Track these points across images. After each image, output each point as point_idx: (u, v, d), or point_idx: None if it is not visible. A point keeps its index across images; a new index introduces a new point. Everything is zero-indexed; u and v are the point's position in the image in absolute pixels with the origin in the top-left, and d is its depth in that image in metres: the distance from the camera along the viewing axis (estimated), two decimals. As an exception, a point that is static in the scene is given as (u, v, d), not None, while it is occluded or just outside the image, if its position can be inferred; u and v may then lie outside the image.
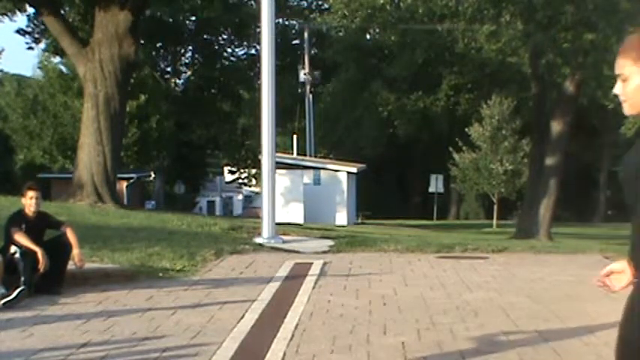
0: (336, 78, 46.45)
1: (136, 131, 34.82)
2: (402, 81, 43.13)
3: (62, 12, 22.39)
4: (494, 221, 37.16)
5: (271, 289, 8.55)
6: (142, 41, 27.66)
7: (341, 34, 40.34)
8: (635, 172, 2.56)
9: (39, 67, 42.19)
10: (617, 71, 2.66)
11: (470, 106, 41.45)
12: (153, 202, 36.54)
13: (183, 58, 41.16)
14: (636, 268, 2.62)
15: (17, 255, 7.76)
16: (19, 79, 44.72)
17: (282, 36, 36.47)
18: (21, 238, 7.81)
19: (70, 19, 23.94)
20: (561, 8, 21.33)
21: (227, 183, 50.19)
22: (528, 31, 22.75)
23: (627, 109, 2.70)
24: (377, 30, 38.02)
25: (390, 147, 44.96)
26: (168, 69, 40.59)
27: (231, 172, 46.72)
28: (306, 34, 41.12)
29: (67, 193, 20.50)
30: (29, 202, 7.90)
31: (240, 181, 47.41)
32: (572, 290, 8.89)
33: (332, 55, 44.51)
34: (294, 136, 42.29)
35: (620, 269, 2.79)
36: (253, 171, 43.69)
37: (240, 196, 54.84)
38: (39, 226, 7.99)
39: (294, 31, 44.98)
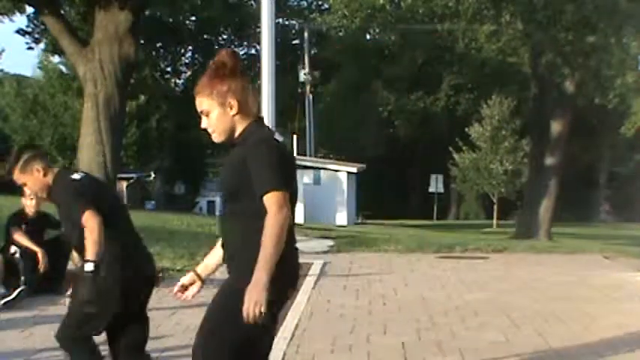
0: (336, 78, 46.44)
1: (136, 131, 34.79)
2: (402, 81, 43.13)
3: (62, 12, 22.38)
4: (495, 221, 37.13)
5: (271, 289, 8.54)
6: (142, 41, 27.64)
7: (341, 34, 40.29)
8: None
9: (39, 67, 42.18)
10: (199, 109, 3.17)
11: (470, 106, 41.42)
12: (153, 202, 36.52)
13: (183, 58, 41.13)
14: (230, 271, 3.19)
15: (17, 255, 7.76)
16: (19, 79, 44.69)
17: (282, 36, 36.44)
18: (21, 238, 7.82)
19: (70, 19, 23.92)
20: (561, 7, 21.33)
21: (227, 183, 50.13)
22: (528, 31, 22.75)
23: (217, 138, 3.19)
24: (377, 30, 38.01)
25: (390, 147, 44.91)
26: (169, 69, 40.57)
27: (232, 173, 46.65)
28: (306, 34, 41.07)
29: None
30: (29, 202, 7.91)
31: (241, 181, 47.36)
32: (572, 290, 8.90)
33: (332, 55, 44.49)
34: (294, 136, 42.26)
35: (190, 282, 3.52)
36: (253, 171, 43.60)
37: (240, 196, 54.78)
38: (39, 226, 8.00)
39: (294, 31, 44.95)
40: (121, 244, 4.10)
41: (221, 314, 3.11)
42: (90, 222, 3.98)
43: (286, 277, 3.06)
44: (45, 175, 4.27)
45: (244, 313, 2.90)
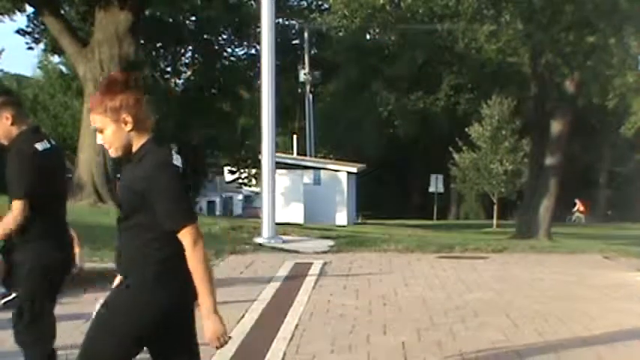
0: (336, 78, 46.44)
1: (136, 131, 34.76)
2: (402, 81, 43.11)
3: (62, 12, 22.38)
4: (495, 221, 37.13)
5: (271, 289, 8.55)
6: (142, 41, 27.66)
7: (341, 34, 40.29)
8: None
9: (39, 67, 42.22)
10: (93, 126, 3.18)
11: (470, 106, 41.41)
12: (153, 202, 36.49)
13: (183, 58, 41.12)
14: (120, 274, 3.30)
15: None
16: (19, 79, 44.71)
17: (282, 36, 36.41)
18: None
19: (70, 19, 23.93)
20: (561, 7, 21.33)
21: (227, 183, 50.17)
22: (528, 31, 22.74)
23: (113, 154, 3.19)
24: (377, 30, 37.98)
25: (390, 147, 44.93)
26: (169, 69, 40.56)
27: (231, 172, 46.70)
28: (306, 34, 41.11)
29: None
30: (29, 202, 7.89)
31: (240, 181, 47.40)
32: (572, 290, 8.90)
33: (332, 55, 44.49)
34: (294, 136, 42.26)
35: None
36: (253, 171, 43.67)
37: (240, 196, 54.81)
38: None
39: (294, 31, 44.95)
40: (45, 229, 4.14)
41: (113, 319, 3.19)
42: (16, 212, 4.04)
43: (174, 290, 3.15)
44: (12, 124, 4.21)
45: (211, 345, 3.12)
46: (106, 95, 3.13)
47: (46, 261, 4.13)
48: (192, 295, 3.20)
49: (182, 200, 3.10)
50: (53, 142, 4.33)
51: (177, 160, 3.15)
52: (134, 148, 3.16)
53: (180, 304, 3.19)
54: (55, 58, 36.49)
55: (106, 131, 3.15)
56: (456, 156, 38.18)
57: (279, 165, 19.13)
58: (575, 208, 42.76)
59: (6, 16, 22.37)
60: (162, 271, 3.13)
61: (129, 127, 3.13)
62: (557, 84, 24.15)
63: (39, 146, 4.18)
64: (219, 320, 3.11)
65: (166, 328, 3.18)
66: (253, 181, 45.70)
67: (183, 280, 3.12)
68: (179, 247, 3.13)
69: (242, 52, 41.13)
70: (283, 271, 9.92)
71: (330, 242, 13.58)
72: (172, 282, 3.13)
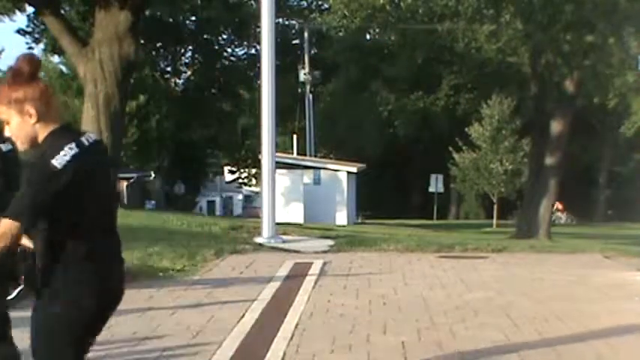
0: (336, 78, 46.47)
1: (136, 131, 34.77)
2: (402, 81, 43.14)
3: (62, 11, 22.39)
4: (494, 221, 37.14)
5: (271, 288, 8.55)
6: (142, 41, 27.68)
7: (341, 34, 40.33)
8: None
9: (39, 67, 42.10)
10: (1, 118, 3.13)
11: (470, 106, 41.44)
12: (153, 202, 36.50)
13: (183, 58, 41.15)
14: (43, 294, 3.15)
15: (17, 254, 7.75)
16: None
17: (282, 36, 36.45)
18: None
19: (70, 19, 23.95)
20: (561, 7, 21.34)
21: (227, 183, 50.22)
22: (528, 30, 22.75)
23: (20, 146, 3.14)
24: (377, 30, 38.02)
25: (390, 147, 44.94)
26: (169, 69, 40.58)
27: (231, 172, 46.74)
28: (306, 34, 41.16)
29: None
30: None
31: (240, 181, 47.45)
32: (572, 290, 8.90)
33: (332, 55, 44.52)
34: (294, 136, 42.29)
35: None
36: (253, 171, 43.70)
37: (240, 196, 54.83)
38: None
39: (294, 31, 44.97)
40: None
41: (41, 339, 3.15)
42: None
43: (92, 290, 3.07)
44: None
45: None
46: (11, 87, 3.04)
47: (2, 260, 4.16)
48: (111, 296, 3.17)
49: (27, 197, 2.92)
50: (13, 144, 4.40)
51: (60, 159, 2.94)
52: (40, 141, 3.08)
53: (100, 304, 3.12)
54: (55, 58, 36.44)
55: (12, 123, 3.07)
56: (455, 156, 38.19)
57: (279, 165, 19.14)
58: (554, 208, 42.71)
59: (6, 16, 22.38)
60: (79, 273, 3.05)
61: (33, 119, 3.04)
62: (556, 84, 24.15)
63: (3, 147, 4.24)
64: None
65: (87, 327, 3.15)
66: (253, 181, 45.71)
67: (101, 280, 3.08)
68: (94, 246, 3.07)
69: (242, 52, 41.19)
70: (283, 271, 9.92)
71: (330, 242, 13.57)
72: (89, 282, 3.06)
